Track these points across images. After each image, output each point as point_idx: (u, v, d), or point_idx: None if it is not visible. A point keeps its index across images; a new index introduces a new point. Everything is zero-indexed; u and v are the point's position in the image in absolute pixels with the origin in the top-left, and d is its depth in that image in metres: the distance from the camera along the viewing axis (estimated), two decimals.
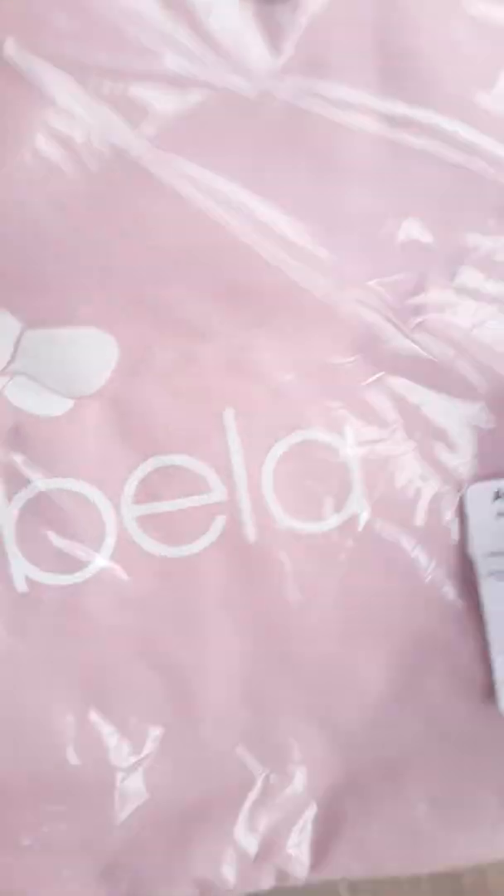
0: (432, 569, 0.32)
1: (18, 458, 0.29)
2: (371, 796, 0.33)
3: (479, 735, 0.33)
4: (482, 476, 0.33)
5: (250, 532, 0.31)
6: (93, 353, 0.29)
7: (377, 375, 0.31)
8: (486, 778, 0.33)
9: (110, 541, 0.30)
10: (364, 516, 0.32)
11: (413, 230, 0.29)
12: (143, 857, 0.31)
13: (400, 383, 0.32)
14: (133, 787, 0.31)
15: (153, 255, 0.28)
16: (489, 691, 0.33)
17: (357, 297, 0.29)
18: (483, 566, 0.32)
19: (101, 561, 0.30)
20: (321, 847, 0.32)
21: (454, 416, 0.32)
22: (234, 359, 0.30)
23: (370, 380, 0.31)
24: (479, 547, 0.32)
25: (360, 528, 0.32)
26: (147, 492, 0.30)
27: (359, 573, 0.32)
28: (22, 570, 0.29)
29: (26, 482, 0.29)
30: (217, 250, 0.28)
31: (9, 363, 0.29)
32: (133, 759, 0.31)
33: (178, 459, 0.30)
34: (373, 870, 0.33)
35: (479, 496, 0.32)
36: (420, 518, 0.32)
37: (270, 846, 0.32)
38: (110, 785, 0.31)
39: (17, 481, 0.29)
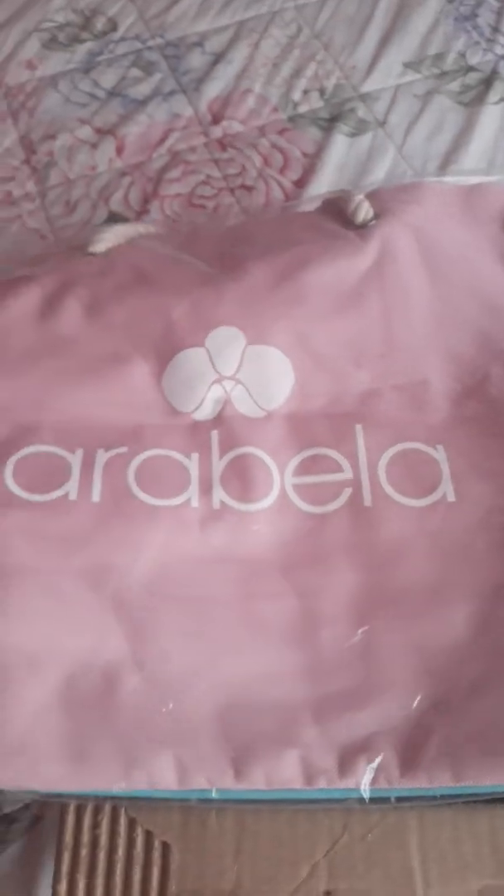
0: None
1: (227, 434, 0.47)
2: (453, 712, 0.38)
3: None
4: None
5: (367, 499, 0.45)
6: (278, 374, 0.47)
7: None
8: None
9: (274, 493, 0.46)
10: (450, 497, 0.45)
11: None
12: (255, 732, 0.38)
13: None
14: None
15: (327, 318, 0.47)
16: None
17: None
18: None
19: (266, 504, 0.46)
20: (410, 755, 0.37)
21: None
22: (363, 396, 0.49)
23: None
24: None
25: (447, 505, 0.45)
26: (303, 468, 0.47)
27: (446, 535, 0.44)
28: (219, 495, 0.45)
29: (231, 448, 0.47)
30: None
31: (236, 371, 0.46)
32: None
33: (325, 451, 0.47)
34: (454, 777, 0.36)
35: None
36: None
37: (366, 748, 0.37)
38: None
39: (225, 447, 0.47)
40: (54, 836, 0.42)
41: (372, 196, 0.50)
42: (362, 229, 0.48)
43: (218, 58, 0.72)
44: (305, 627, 0.41)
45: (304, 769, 0.36)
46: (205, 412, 0.47)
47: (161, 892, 0.32)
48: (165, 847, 0.32)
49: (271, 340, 0.47)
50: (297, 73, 0.71)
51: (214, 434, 0.47)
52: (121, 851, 0.33)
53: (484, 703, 0.38)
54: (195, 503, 0.44)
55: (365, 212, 0.48)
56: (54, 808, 0.43)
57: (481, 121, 0.67)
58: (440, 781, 0.36)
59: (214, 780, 0.35)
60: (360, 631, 0.41)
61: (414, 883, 0.31)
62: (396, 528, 0.44)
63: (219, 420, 0.47)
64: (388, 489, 0.45)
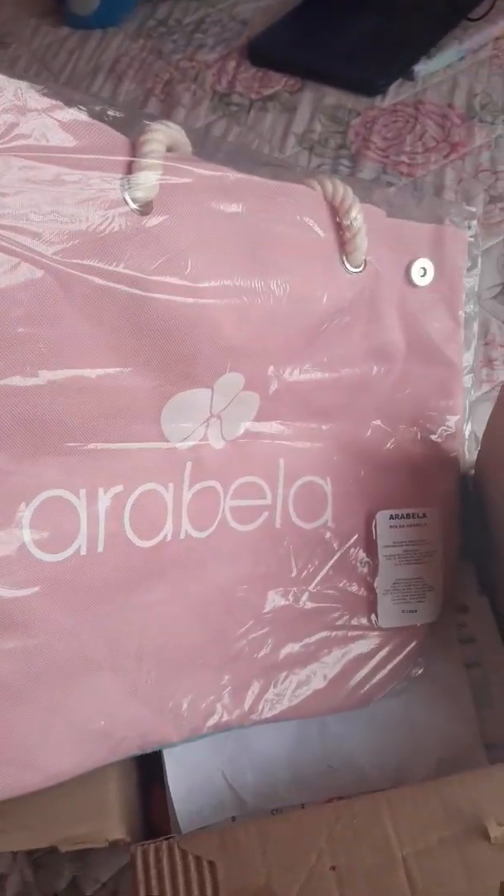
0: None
1: (198, 466, 0.50)
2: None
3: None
4: None
5: (278, 522, 0.55)
6: (248, 412, 0.52)
7: None
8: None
9: (217, 518, 0.52)
10: (329, 523, 0.57)
11: None
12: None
13: None
14: None
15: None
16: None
17: None
18: (381, 551, 0.58)
19: (212, 529, 0.51)
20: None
21: None
22: (286, 432, 0.55)
23: None
24: (380, 539, 0.59)
25: (327, 527, 0.57)
26: (239, 493, 0.53)
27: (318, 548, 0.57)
28: (185, 527, 0.50)
29: (199, 481, 0.50)
30: None
31: (223, 409, 0.50)
32: None
33: (256, 479, 0.54)
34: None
35: (383, 517, 0.59)
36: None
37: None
38: None
39: (194, 479, 0.50)
40: None
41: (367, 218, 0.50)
42: (351, 272, 0.50)
43: None
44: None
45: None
46: (185, 444, 0.48)
47: None
48: (211, 865, 0.43)
49: (257, 388, 0.50)
50: None
51: (188, 465, 0.49)
52: (180, 876, 0.44)
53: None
54: (169, 538, 0.49)
55: (360, 254, 0.49)
56: (127, 881, 0.55)
57: None
58: None
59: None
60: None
61: (391, 846, 0.43)
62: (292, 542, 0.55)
63: (193, 451, 0.49)
64: (292, 513, 0.55)
